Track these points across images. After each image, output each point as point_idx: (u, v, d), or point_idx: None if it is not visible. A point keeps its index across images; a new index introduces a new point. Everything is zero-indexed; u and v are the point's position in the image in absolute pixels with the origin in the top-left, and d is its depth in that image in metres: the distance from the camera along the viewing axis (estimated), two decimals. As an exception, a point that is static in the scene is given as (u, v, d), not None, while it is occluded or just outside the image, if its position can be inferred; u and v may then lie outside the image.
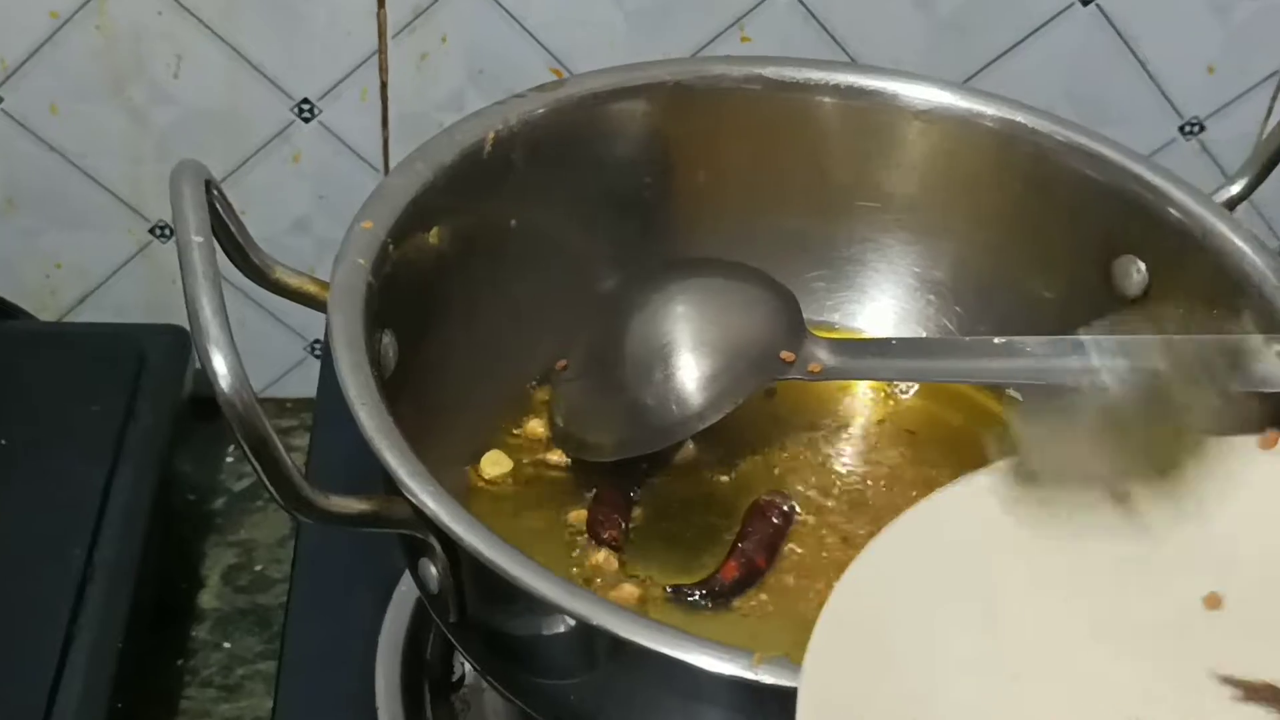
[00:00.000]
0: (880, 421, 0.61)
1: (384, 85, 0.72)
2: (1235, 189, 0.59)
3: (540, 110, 0.57)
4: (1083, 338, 0.53)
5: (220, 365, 0.41)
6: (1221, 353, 0.49)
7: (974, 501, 0.45)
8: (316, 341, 0.80)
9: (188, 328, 0.73)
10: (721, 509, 0.57)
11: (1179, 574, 0.43)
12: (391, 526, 0.45)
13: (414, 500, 0.44)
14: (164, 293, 0.77)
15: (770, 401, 0.60)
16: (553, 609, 0.42)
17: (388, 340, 0.51)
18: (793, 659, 0.50)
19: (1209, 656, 0.41)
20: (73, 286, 0.77)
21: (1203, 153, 0.77)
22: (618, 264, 0.61)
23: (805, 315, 0.58)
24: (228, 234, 0.49)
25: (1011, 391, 0.61)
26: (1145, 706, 0.39)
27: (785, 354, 0.57)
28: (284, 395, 0.81)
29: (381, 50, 0.71)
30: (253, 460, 0.42)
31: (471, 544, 0.43)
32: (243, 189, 0.73)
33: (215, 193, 0.47)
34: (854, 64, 0.71)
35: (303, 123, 0.73)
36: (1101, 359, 0.52)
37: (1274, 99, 0.75)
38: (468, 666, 0.58)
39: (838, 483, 0.58)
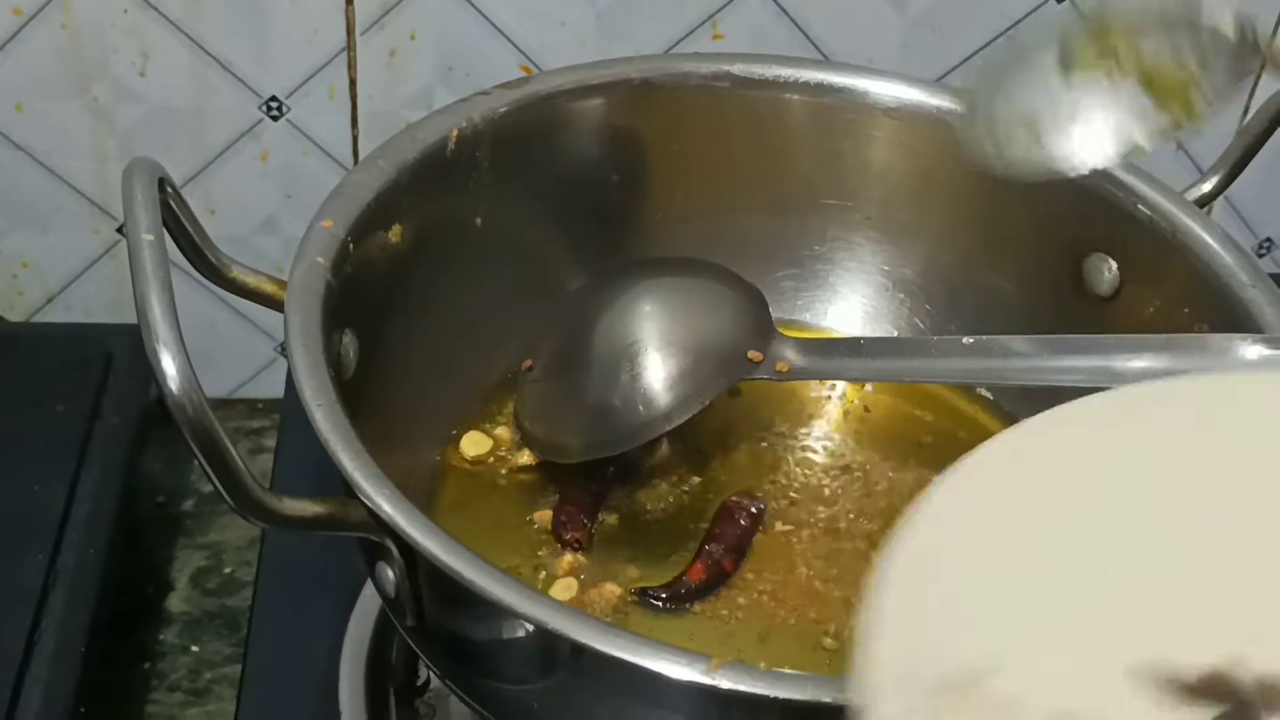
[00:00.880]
0: (849, 420, 0.60)
1: (353, 82, 0.71)
2: (1207, 186, 0.58)
3: (504, 108, 0.57)
4: (1055, 337, 0.53)
5: (169, 366, 0.41)
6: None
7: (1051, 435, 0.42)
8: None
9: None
10: (690, 510, 0.56)
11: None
12: (348, 529, 0.45)
13: (369, 503, 0.43)
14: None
15: (738, 401, 0.59)
16: (508, 614, 0.42)
17: (348, 340, 0.51)
18: (758, 661, 0.50)
19: None
20: (39, 287, 0.77)
21: (1179, 151, 0.76)
22: (584, 263, 0.60)
23: (774, 314, 0.58)
24: (184, 233, 0.48)
25: (982, 391, 0.60)
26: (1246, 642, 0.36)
27: (753, 354, 0.56)
28: (256, 396, 0.80)
29: (350, 47, 0.70)
30: (203, 463, 0.41)
31: (426, 547, 0.42)
32: (210, 188, 0.73)
33: (169, 190, 0.46)
34: (823, 61, 0.70)
35: (271, 121, 0.72)
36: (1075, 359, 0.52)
37: (1251, 97, 0.75)
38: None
39: (807, 482, 0.57)
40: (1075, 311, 0.57)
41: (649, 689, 0.42)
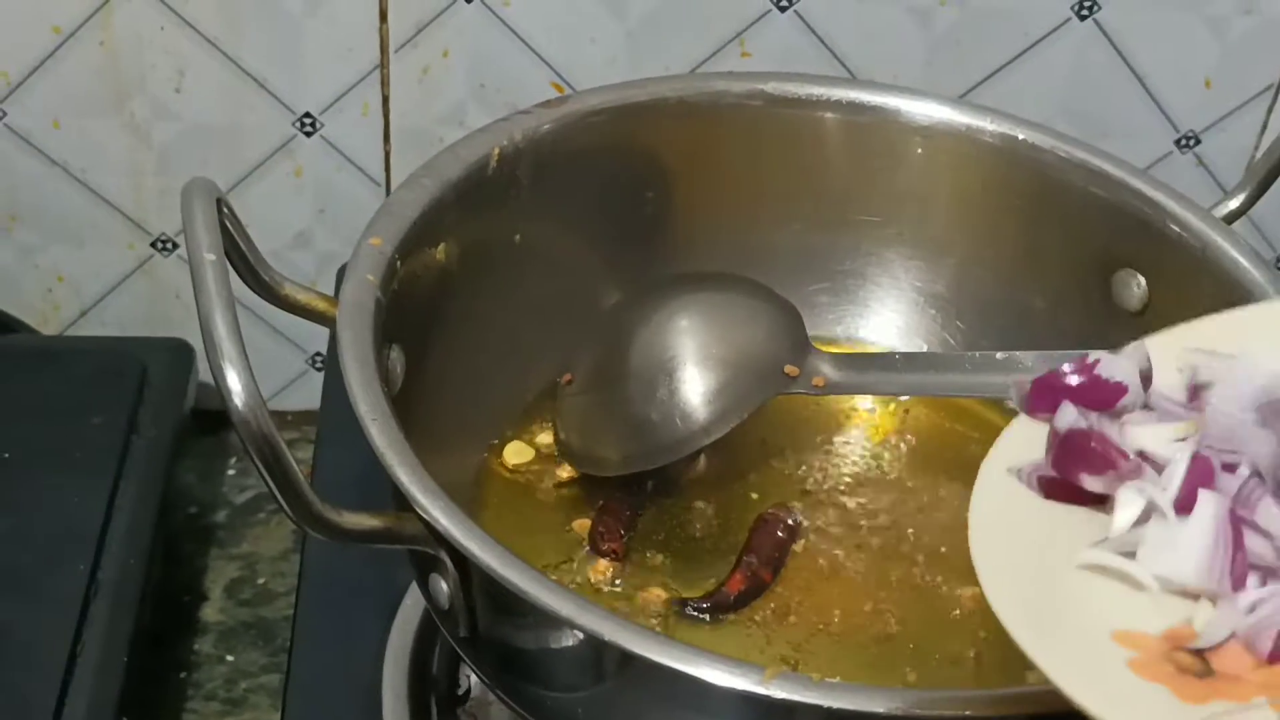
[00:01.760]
0: (884, 434, 0.61)
1: (385, 99, 0.72)
2: (1234, 204, 0.59)
3: (545, 126, 0.58)
4: (1084, 352, 0.54)
5: (234, 382, 0.42)
6: None
7: None
8: (318, 354, 0.80)
9: (190, 341, 0.75)
10: (726, 522, 0.57)
11: None
12: (403, 542, 0.45)
13: (426, 516, 0.44)
14: (165, 306, 0.77)
15: (774, 415, 0.60)
16: (564, 624, 0.43)
17: (395, 355, 0.52)
18: (801, 669, 0.51)
19: None
20: (74, 301, 0.77)
21: (1199, 166, 0.77)
22: (621, 279, 0.61)
23: (808, 329, 0.59)
24: (238, 251, 0.49)
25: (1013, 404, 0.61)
26: None
27: (789, 368, 0.57)
28: (285, 408, 0.81)
29: (383, 64, 0.71)
30: (266, 477, 0.42)
31: (484, 560, 0.43)
32: (244, 203, 0.74)
33: (225, 210, 0.47)
34: (855, 80, 0.71)
35: (304, 137, 0.73)
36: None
37: (1270, 113, 0.76)
38: (474, 680, 0.58)
39: (842, 494, 0.58)
40: (1104, 326, 0.58)
41: (699, 698, 0.43)
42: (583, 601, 0.42)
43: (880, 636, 0.53)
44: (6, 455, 0.67)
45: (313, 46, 0.70)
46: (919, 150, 0.61)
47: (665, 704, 0.45)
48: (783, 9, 0.71)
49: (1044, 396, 0.42)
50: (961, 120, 0.60)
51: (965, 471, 0.58)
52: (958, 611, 0.54)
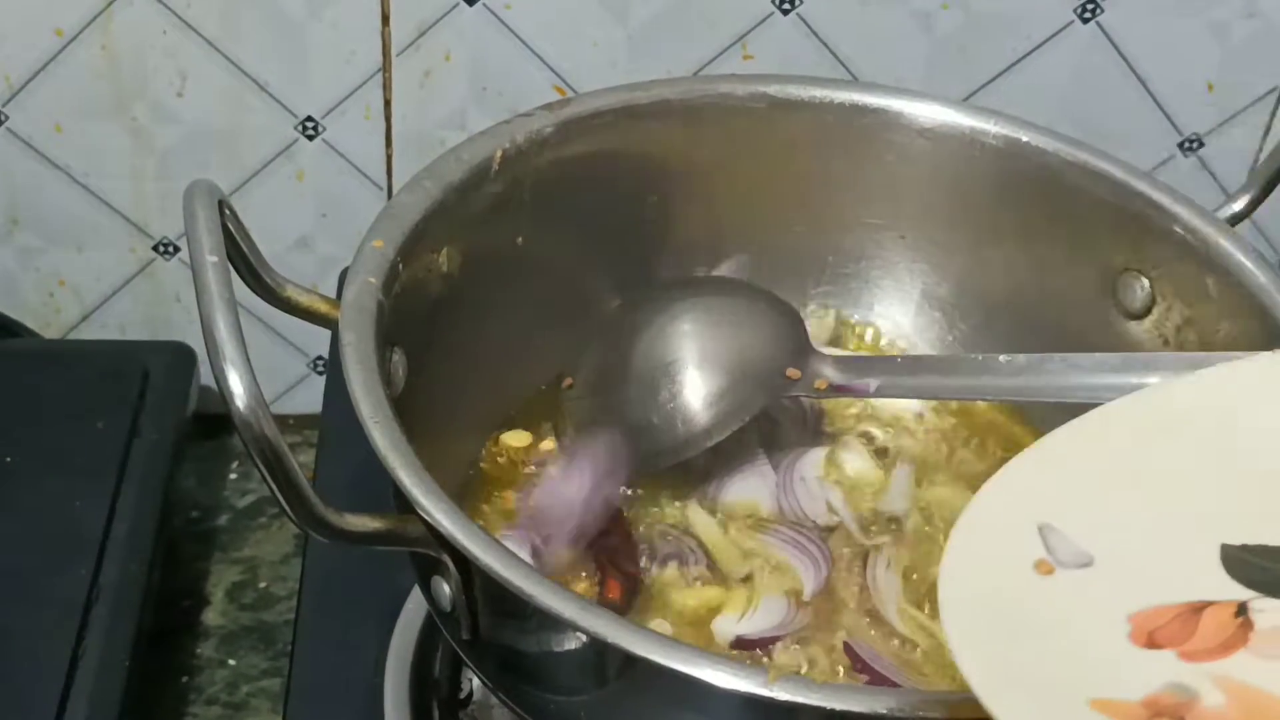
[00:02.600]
0: (888, 433, 0.61)
1: (387, 103, 0.72)
2: (1237, 206, 0.59)
3: (547, 129, 0.57)
4: (1088, 354, 0.54)
5: (236, 385, 0.42)
6: None
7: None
8: (319, 358, 0.80)
9: (191, 345, 0.75)
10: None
11: None
12: (405, 544, 0.45)
13: (428, 518, 0.44)
14: (167, 310, 0.77)
15: (774, 418, 0.60)
16: (567, 626, 0.43)
17: (397, 358, 0.52)
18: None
19: None
20: (76, 304, 0.77)
21: (1201, 169, 0.77)
22: (622, 281, 0.61)
23: (810, 333, 0.59)
24: (239, 253, 0.49)
25: (1018, 405, 0.61)
26: None
27: (791, 371, 0.57)
28: (286, 411, 0.81)
29: (385, 68, 0.71)
30: (269, 480, 0.42)
31: (486, 562, 0.43)
32: (246, 207, 0.73)
33: (228, 212, 0.47)
34: (858, 82, 0.71)
35: (306, 140, 0.73)
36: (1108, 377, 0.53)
37: (1273, 116, 0.76)
38: (476, 683, 0.58)
39: (848, 492, 0.58)
40: (1108, 329, 0.58)
41: (702, 700, 0.43)
42: (585, 603, 0.42)
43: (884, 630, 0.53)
44: (8, 459, 0.67)
45: (314, 50, 0.70)
46: (922, 153, 0.60)
47: (668, 706, 0.45)
48: (785, 12, 0.71)
49: None
50: (965, 122, 0.60)
51: (967, 471, 0.59)
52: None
